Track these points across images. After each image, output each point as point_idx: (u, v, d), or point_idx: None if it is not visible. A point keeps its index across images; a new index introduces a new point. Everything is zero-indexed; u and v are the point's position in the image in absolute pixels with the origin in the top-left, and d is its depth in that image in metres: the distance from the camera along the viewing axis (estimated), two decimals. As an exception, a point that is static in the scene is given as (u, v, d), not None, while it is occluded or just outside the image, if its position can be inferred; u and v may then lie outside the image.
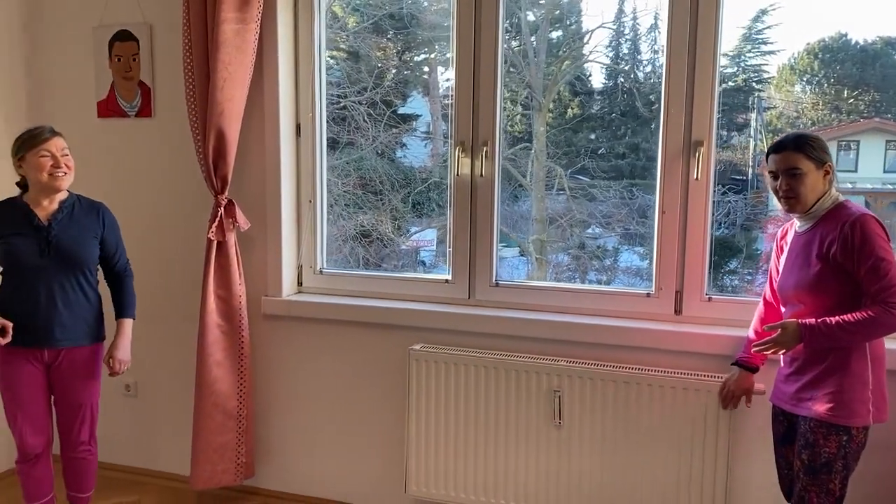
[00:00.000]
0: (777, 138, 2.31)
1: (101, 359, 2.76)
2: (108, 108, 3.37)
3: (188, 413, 3.23)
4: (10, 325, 2.55)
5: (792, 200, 2.21)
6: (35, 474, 2.75)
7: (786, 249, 2.34)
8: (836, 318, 2.11)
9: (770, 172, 2.25)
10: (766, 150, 2.30)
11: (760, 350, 2.23)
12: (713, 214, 2.77)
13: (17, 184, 2.68)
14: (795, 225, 2.31)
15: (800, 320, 2.16)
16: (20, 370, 2.64)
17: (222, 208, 3.05)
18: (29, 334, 2.60)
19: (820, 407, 2.16)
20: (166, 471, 3.50)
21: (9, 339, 2.55)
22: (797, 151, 2.19)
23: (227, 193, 3.06)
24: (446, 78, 3.36)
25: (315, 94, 3.17)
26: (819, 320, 2.13)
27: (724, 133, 3.08)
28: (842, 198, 2.24)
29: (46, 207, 2.63)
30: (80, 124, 3.39)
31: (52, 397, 2.75)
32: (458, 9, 2.91)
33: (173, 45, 3.17)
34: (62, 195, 2.67)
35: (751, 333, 2.48)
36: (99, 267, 2.77)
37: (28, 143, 2.58)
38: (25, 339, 2.60)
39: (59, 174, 2.58)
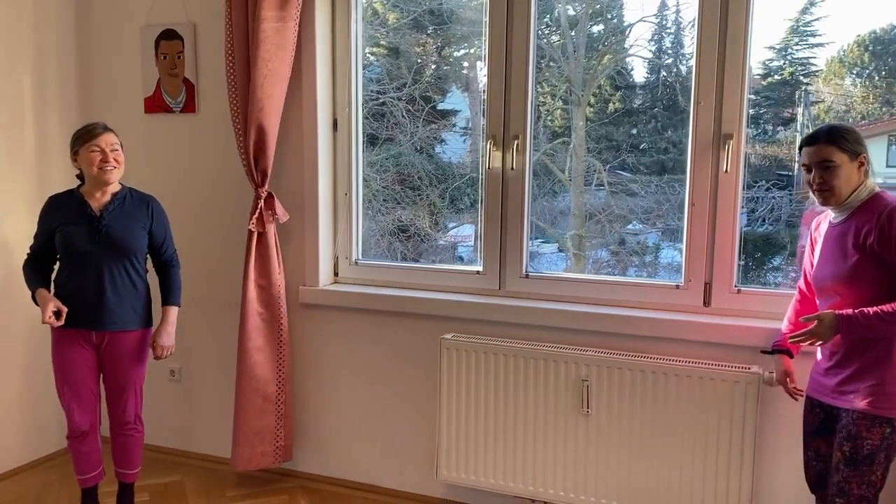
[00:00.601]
0: (809, 131, 2.31)
1: (147, 343, 2.89)
2: (154, 104, 3.51)
3: (229, 398, 3.36)
4: (64, 308, 2.70)
5: (826, 193, 2.20)
6: (83, 449, 2.91)
7: (819, 241, 2.33)
8: (874, 308, 2.10)
9: (804, 165, 2.25)
10: (798, 144, 2.30)
11: (796, 341, 2.22)
12: (744, 208, 2.78)
13: (77, 176, 2.84)
14: (830, 216, 2.30)
15: (837, 311, 2.15)
16: (71, 351, 2.79)
17: (262, 201, 3.16)
18: (80, 316, 2.74)
19: (863, 400, 2.15)
20: (207, 453, 3.63)
21: (62, 322, 2.69)
22: (830, 144, 2.18)
23: (266, 186, 3.17)
24: (485, 73, 3.41)
25: (352, 89, 3.27)
26: (857, 311, 2.12)
27: (770, 128, 3.05)
28: (877, 188, 2.22)
29: (100, 199, 2.78)
30: (128, 120, 3.54)
31: (102, 377, 2.90)
32: (490, 3, 2.97)
33: (216, 44, 3.29)
34: (115, 188, 2.81)
35: (784, 323, 2.50)
36: (148, 256, 2.90)
37: (81, 139, 2.74)
38: (76, 321, 2.74)
39: (108, 168, 2.73)
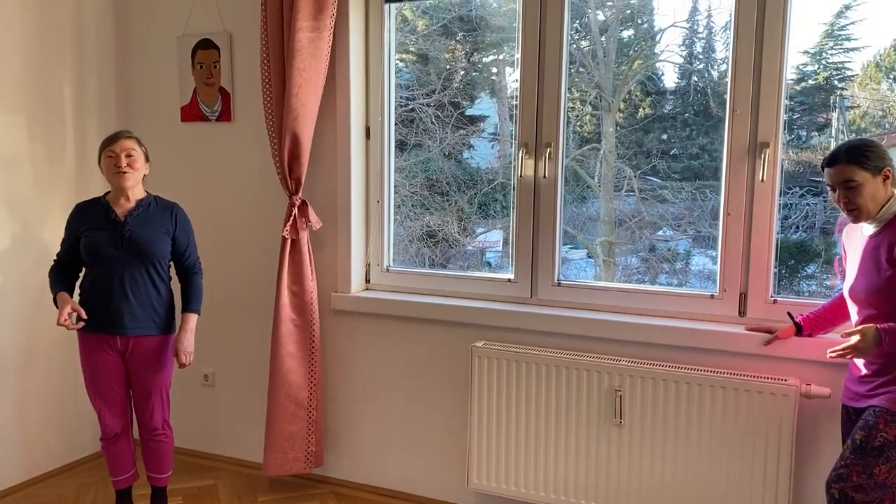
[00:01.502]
0: (829, 150, 2.30)
1: (170, 349, 2.91)
2: (190, 113, 3.57)
3: (261, 403, 3.39)
4: (82, 311, 2.73)
5: (854, 212, 2.21)
6: (115, 451, 2.96)
7: (850, 250, 2.34)
8: None
9: (828, 185, 2.26)
10: (820, 164, 2.29)
11: (838, 355, 2.20)
12: (779, 216, 2.75)
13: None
14: (863, 228, 2.29)
15: (878, 325, 2.14)
16: (98, 356, 2.83)
17: (296, 208, 3.19)
18: (103, 321, 2.79)
19: (889, 397, 2.16)
20: (240, 458, 3.67)
21: (79, 325, 2.74)
22: (850, 163, 2.17)
23: (300, 194, 3.20)
24: (514, 79, 3.39)
25: (384, 97, 3.29)
26: None
27: (804, 133, 3.01)
28: None
29: (124, 205, 2.83)
30: (165, 128, 3.61)
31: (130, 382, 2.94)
32: (524, 10, 2.98)
33: (251, 53, 3.34)
34: (139, 194, 2.86)
35: (817, 308, 2.55)
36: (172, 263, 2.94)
37: (102, 146, 2.81)
38: (100, 326, 2.79)
39: (121, 172, 2.76)
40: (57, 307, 2.75)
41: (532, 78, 2.99)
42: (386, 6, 3.24)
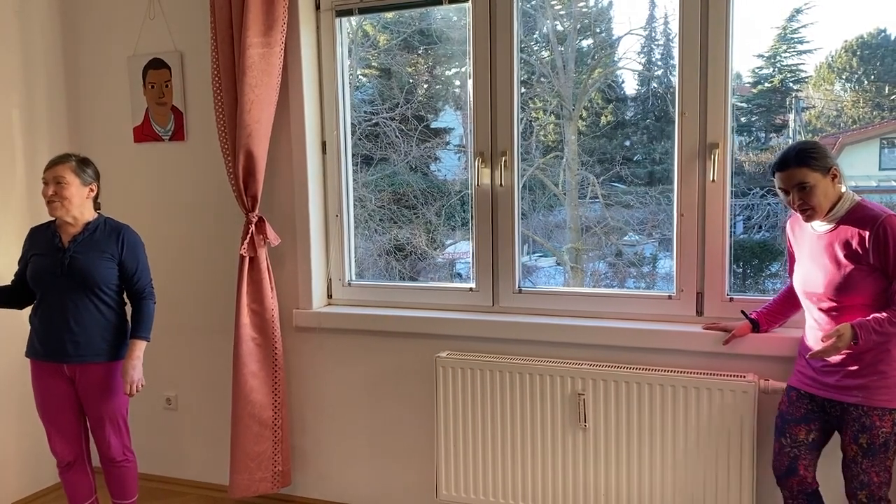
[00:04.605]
0: (776, 155, 2.36)
1: (119, 375, 2.80)
2: (143, 133, 3.53)
3: (225, 424, 3.35)
4: None
5: (808, 212, 2.27)
6: (71, 480, 2.91)
7: (801, 243, 2.40)
8: (884, 314, 2.18)
9: (780, 189, 2.32)
10: (770, 169, 2.35)
11: (819, 357, 2.24)
12: (733, 216, 2.80)
13: None
14: (813, 225, 2.34)
15: (852, 323, 2.19)
16: (47, 383, 2.79)
17: (253, 225, 3.16)
18: (47, 348, 2.75)
19: (876, 394, 2.22)
20: (205, 481, 3.61)
21: None
22: (801, 166, 2.24)
23: (257, 211, 3.18)
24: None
25: (340, 111, 3.29)
26: (871, 319, 2.18)
27: (762, 135, 3.08)
28: (857, 197, 2.29)
29: (69, 230, 2.76)
30: (118, 149, 3.56)
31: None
32: (473, 22, 3.00)
33: (203, 72, 3.32)
34: (88, 216, 2.78)
35: (767, 303, 2.61)
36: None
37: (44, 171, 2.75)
38: (45, 353, 2.75)
39: (48, 202, 2.69)
40: None
41: (485, 87, 3.01)
42: (337, 20, 3.24)
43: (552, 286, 3.19)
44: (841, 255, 2.25)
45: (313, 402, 3.38)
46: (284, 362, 3.32)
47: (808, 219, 2.30)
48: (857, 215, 2.25)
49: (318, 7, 3.24)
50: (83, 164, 2.77)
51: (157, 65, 3.46)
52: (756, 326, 2.62)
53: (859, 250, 2.21)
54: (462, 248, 3.52)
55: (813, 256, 2.33)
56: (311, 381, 3.37)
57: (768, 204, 2.90)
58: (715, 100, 2.71)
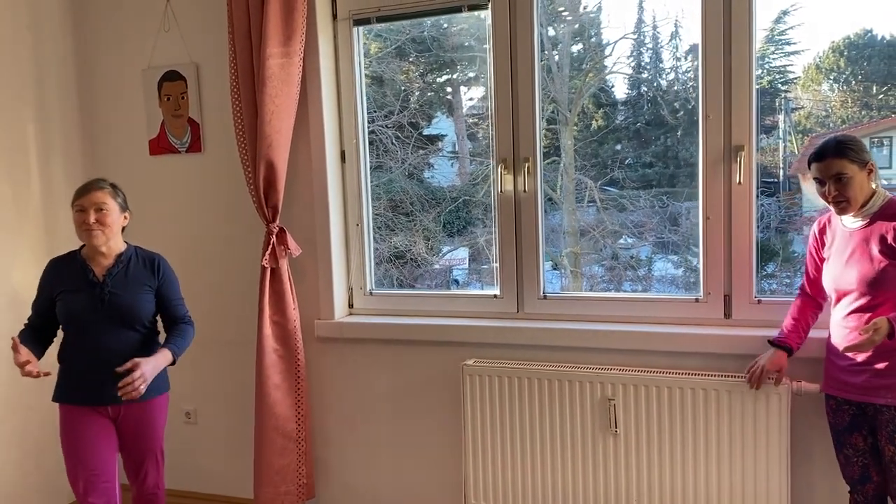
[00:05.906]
0: (815, 145, 2.36)
1: (165, 409, 2.71)
2: (159, 146, 3.51)
3: (247, 437, 3.32)
4: (34, 360, 2.43)
5: (843, 204, 2.27)
6: None
7: (831, 244, 2.39)
8: None
9: (815, 179, 2.31)
10: (807, 159, 2.34)
11: (854, 350, 2.21)
12: (757, 217, 2.80)
13: None
14: (844, 221, 2.34)
15: (889, 317, 2.16)
16: (85, 426, 2.55)
17: (274, 236, 3.14)
18: (87, 392, 2.54)
19: None
20: (229, 495, 3.58)
21: (36, 369, 2.41)
22: (840, 157, 2.25)
23: (278, 221, 3.16)
24: (469, 97, 3.45)
25: (357, 120, 3.28)
26: None
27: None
28: (889, 193, 2.29)
29: (102, 262, 2.57)
30: (133, 163, 3.54)
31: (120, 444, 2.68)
32: (494, 27, 3.00)
33: (219, 83, 3.30)
34: (119, 248, 2.61)
35: (787, 320, 2.54)
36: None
37: (73, 198, 2.55)
38: (85, 397, 2.54)
39: (91, 231, 2.50)
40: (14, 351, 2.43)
41: (506, 94, 3.00)
42: (355, 29, 3.23)
43: (579, 292, 3.18)
44: (875, 250, 2.24)
45: (336, 413, 3.35)
46: (307, 374, 3.30)
47: (842, 211, 2.29)
48: (892, 211, 2.26)
49: (335, 17, 3.23)
50: (116, 189, 2.62)
51: (172, 77, 3.44)
52: (790, 351, 2.53)
53: (895, 245, 2.21)
54: (459, 255, 3.52)
55: (845, 253, 2.32)
56: (333, 391, 3.34)
57: (762, 205, 2.91)
58: (740, 101, 2.71)
